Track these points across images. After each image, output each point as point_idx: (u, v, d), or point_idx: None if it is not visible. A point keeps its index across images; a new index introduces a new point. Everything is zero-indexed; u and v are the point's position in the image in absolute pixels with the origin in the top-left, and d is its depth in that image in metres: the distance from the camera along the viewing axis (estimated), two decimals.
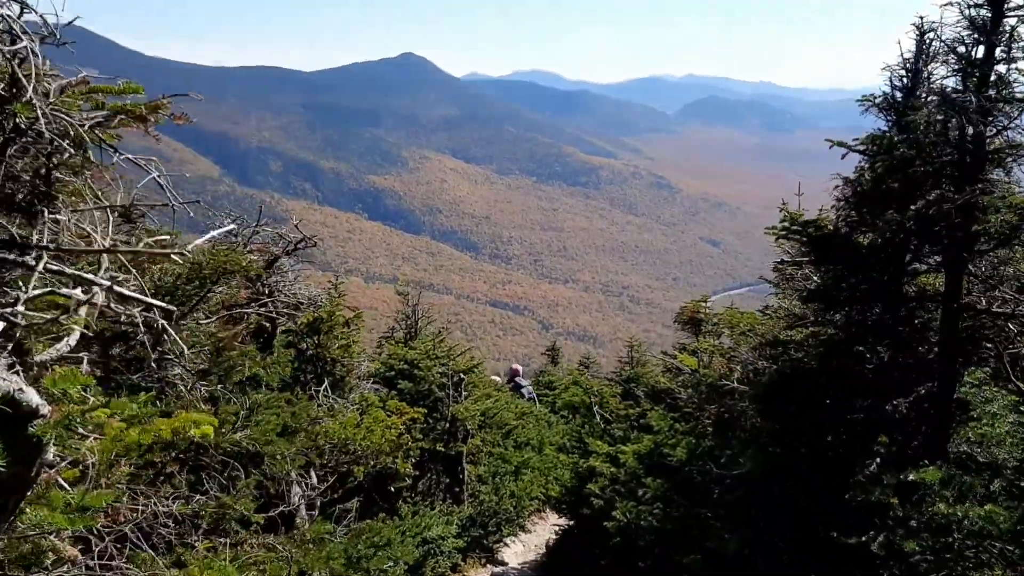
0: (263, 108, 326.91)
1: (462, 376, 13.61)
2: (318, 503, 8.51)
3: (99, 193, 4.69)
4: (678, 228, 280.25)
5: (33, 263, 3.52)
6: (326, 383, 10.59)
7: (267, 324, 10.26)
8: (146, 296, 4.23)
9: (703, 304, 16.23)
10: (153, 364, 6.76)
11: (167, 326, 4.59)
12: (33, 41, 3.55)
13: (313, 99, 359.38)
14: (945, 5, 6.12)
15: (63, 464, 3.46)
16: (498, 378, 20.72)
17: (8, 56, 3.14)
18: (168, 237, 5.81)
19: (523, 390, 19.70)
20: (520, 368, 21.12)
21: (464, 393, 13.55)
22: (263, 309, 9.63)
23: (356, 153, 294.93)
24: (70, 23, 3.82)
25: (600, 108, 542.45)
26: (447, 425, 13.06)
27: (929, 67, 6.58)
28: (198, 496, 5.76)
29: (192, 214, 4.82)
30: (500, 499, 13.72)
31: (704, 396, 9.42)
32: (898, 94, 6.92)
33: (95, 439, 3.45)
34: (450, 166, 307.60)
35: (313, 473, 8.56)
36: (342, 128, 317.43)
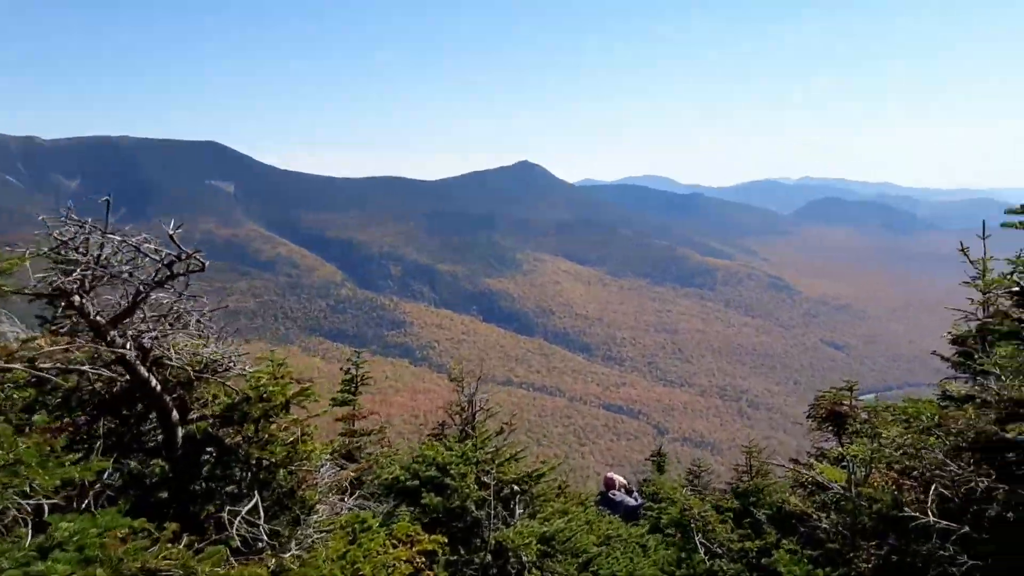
0: (386, 216, 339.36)
1: (515, 487, 10.25)
2: None
3: None
4: (798, 331, 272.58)
5: None
6: (256, 501, 6.41)
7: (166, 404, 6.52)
8: None
9: (848, 394, 13.49)
10: None
11: None
12: None
13: (433, 206, 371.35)
14: None
15: None
16: (619, 477, 18.05)
17: None
18: None
19: (623, 503, 15.87)
20: (617, 478, 16.89)
21: (520, 510, 10.27)
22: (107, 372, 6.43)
23: (472, 257, 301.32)
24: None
25: (714, 211, 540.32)
26: (488, 557, 9.32)
27: None
28: None
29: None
30: None
31: (862, 528, 6.89)
32: None
33: None
34: (563, 268, 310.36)
35: None
36: (459, 233, 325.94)
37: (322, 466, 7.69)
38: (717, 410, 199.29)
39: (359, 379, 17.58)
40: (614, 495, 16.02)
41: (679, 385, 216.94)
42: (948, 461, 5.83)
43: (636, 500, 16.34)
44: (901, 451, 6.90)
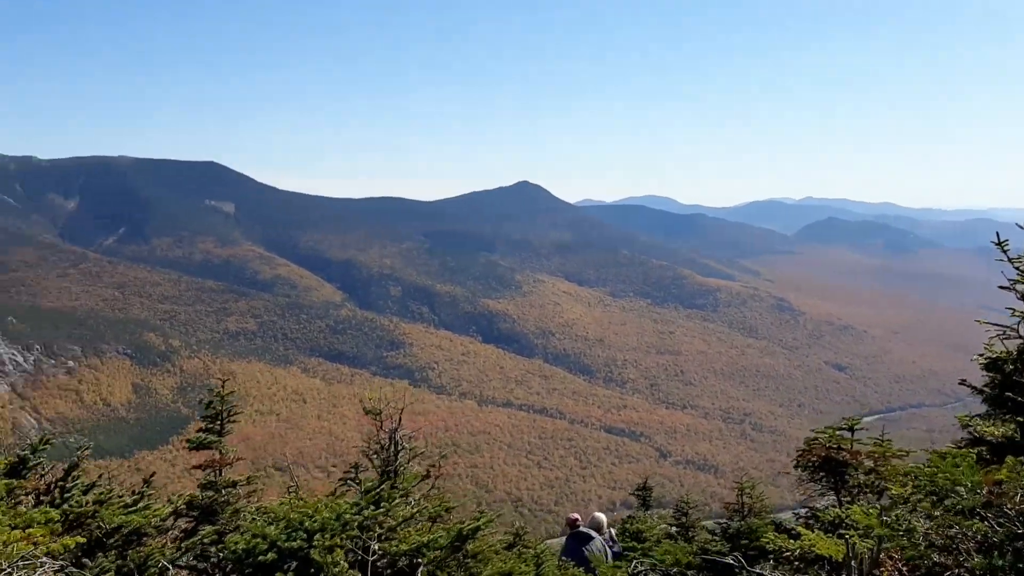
0: (385, 237, 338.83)
1: (416, 560, 7.62)
2: None
3: None
4: (801, 352, 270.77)
5: None
6: None
7: None
8: None
9: (847, 435, 10.92)
10: None
11: None
12: None
13: (432, 227, 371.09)
14: None
15: None
16: (602, 516, 15.40)
17: None
18: None
19: (591, 544, 13.97)
20: (577, 516, 15.19)
21: None
22: None
23: (472, 278, 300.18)
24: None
25: (715, 231, 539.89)
26: None
27: None
28: None
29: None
30: None
31: None
32: None
33: None
34: (563, 289, 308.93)
35: None
36: (459, 254, 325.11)
37: None
38: (720, 432, 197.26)
39: (225, 413, 13.49)
40: (585, 532, 14.17)
41: (681, 407, 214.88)
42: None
43: (613, 545, 14.69)
44: (928, 543, 5.01)
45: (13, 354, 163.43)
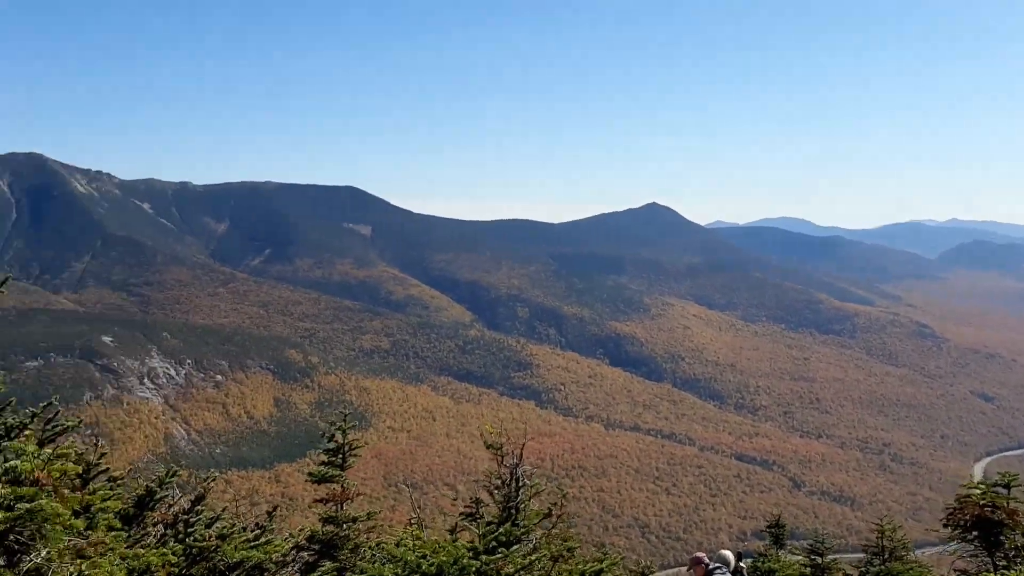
0: (513, 258, 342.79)
1: None
2: None
3: None
4: (945, 381, 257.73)
5: None
6: None
7: None
8: None
9: (1003, 492, 9.74)
10: None
11: None
12: None
13: (560, 249, 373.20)
14: None
15: None
16: (729, 553, 14.13)
17: None
18: None
19: None
20: (702, 556, 13.61)
21: None
22: None
23: (599, 300, 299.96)
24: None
25: (854, 254, 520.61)
26: None
27: None
28: None
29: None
30: None
31: None
32: None
33: None
34: (693, 312, 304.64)
35: None
36: (586, 276, 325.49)
37: None
38: (857, 463, 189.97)
39: (347, 448, 13.57)
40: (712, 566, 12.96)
41: (816, 436, 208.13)
42: None
43: None
44: None
45: (167, 368, 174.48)
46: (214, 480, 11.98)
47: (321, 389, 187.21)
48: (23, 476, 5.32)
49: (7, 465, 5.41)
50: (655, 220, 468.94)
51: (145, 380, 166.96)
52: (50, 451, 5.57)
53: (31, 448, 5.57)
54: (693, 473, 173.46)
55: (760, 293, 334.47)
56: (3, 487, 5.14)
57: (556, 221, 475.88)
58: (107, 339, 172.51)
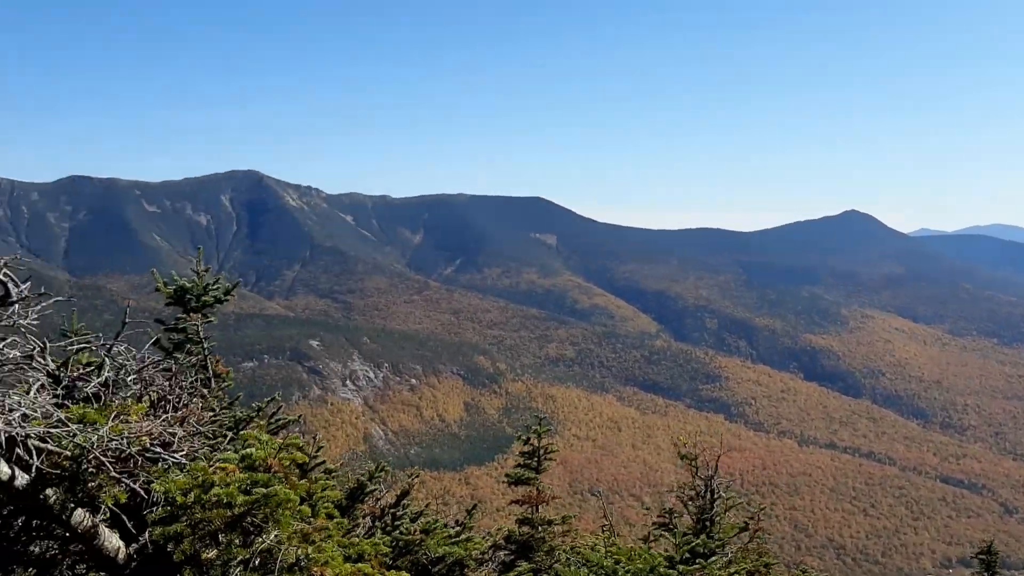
0: (701, 268, 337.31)
1: None
2: None
3: None
4: None
5: None
6: None
7: None
8: None
9: None
10: None
11: None
12: None
13: (750, 258, 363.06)
14: None
15: None
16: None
17: None
18: None
19: None
20: None
21: None
22: None
23: (792, 311, 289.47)
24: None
25: None
26: None
27: None
28: None
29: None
30: None
31: None
32: None
33: None
34: (895, 325, 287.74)
35: None
36: (779, 286, 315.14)
37: None
38: None
39: (542, 452, 14.06)
40: None
41: None
42: None
43: None
44: None
45: (366, 370, 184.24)
46: (418, 477, 12.89)
47: (508, 395, 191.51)
48: (257, 463, 6.33)
49: (243, 452, 6.40)
50: (852, 228, 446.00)
51: (347, 382, 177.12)
52: (280, 440, 6.52)
53: (265, 437, 6.51)
54: (893, 494, 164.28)
55: (970, 305, 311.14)
56: (240, 472, 6.02)
57: (746, 229, 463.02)
58: (314, 343, 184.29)
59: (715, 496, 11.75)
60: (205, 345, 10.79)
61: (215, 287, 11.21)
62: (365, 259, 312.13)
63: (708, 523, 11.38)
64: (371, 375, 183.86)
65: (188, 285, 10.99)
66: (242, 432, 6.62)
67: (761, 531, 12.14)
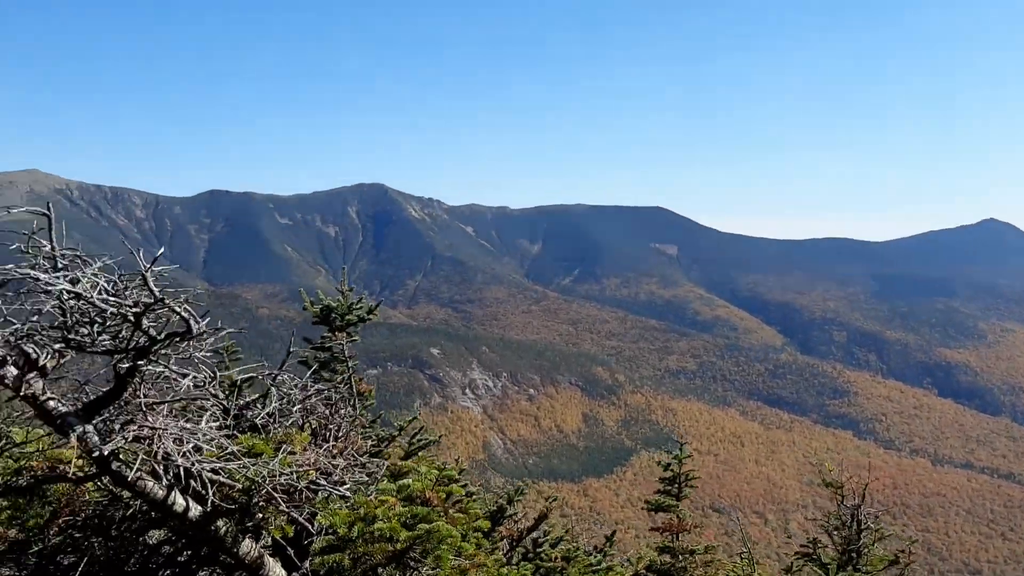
0: (828, 279, 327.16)
1: None
2: None
3: None
4: None
5: None
6: None
7: None
8: None
9: None
10: None
11: None
12: None
13: (881, 269, 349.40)
14: None
15: None
16: None
17: None
18: None
19: None
20: None
21: None
22: None
23: (926, 325, 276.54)
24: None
25: None
26: None
27: None
28: None
29: None
30: None
31: None
32: None
33: None
34: None
35: None
36: (911, 299, 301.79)
37: None
38: None
39: (683, 478, 13.62)
40: None
41: None
42: None
43: None
44: None
45: (485, 379, 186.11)
46: (555, 500, 12.80)
47: (627, 407, 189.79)
48: (415, 495, 6.25)
49: (400, 483, 6.33)
50: (991, 238, 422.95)
51: (467, 390, 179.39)
52: (437, 471, 6.45)
53: (423, 468, 6.43)
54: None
55: None
56: (400, 506, 5.94)
57: (877, 239, 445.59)
58: (435, 351, 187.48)
59: (862, 526, 11.06)
60: (350, 364, 10.97)
61: (359, 306, 11.44)
62: (484, 269, 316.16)
63: (855, 555, 10.70)
64: (490, 384, 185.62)
65: (333, 304, 11.24)
66: (399, 463, 6.61)
67: (913, 563, 11.31)
